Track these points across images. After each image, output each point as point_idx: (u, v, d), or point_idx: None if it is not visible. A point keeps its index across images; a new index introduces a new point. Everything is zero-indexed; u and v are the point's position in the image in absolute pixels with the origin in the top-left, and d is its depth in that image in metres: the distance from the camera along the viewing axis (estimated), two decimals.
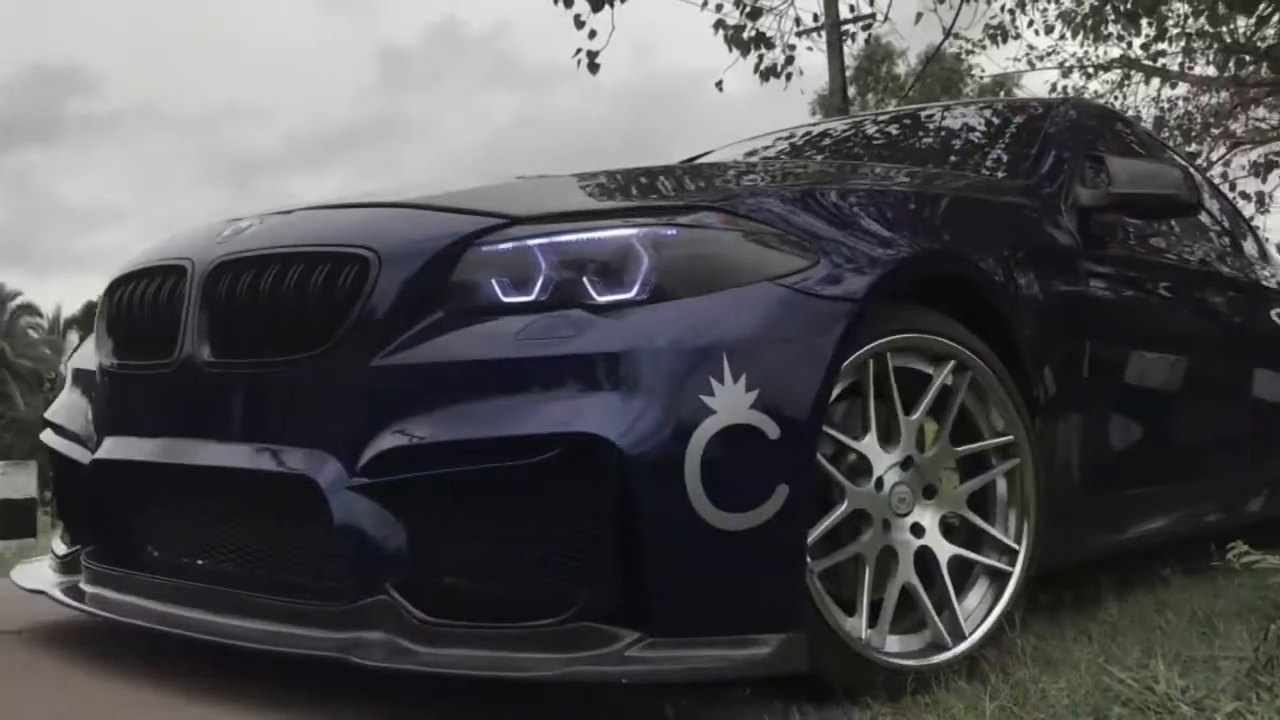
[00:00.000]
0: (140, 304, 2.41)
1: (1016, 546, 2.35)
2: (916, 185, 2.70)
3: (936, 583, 2.24)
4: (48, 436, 2.76)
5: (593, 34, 11.15)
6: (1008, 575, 2.33)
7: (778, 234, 2.08)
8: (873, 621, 2.14)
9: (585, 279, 1.96)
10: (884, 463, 2.18)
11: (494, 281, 2.00)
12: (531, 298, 1.97)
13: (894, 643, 2.18)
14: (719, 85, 11.12)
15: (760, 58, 11.55)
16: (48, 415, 2.83)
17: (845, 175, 2.75)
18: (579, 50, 11.10)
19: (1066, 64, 13.48)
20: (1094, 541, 2.89)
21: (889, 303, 2.21)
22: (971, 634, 2.25)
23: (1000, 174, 3.21)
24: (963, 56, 13.40)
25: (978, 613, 2.30)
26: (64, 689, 2.18)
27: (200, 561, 2.26)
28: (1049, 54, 13.40)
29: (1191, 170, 4.45)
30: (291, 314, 2.10)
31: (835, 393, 2.09)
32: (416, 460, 1.93)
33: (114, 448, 2.40)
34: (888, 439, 2.21)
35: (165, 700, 2.07)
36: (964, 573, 2.32)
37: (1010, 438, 2.35)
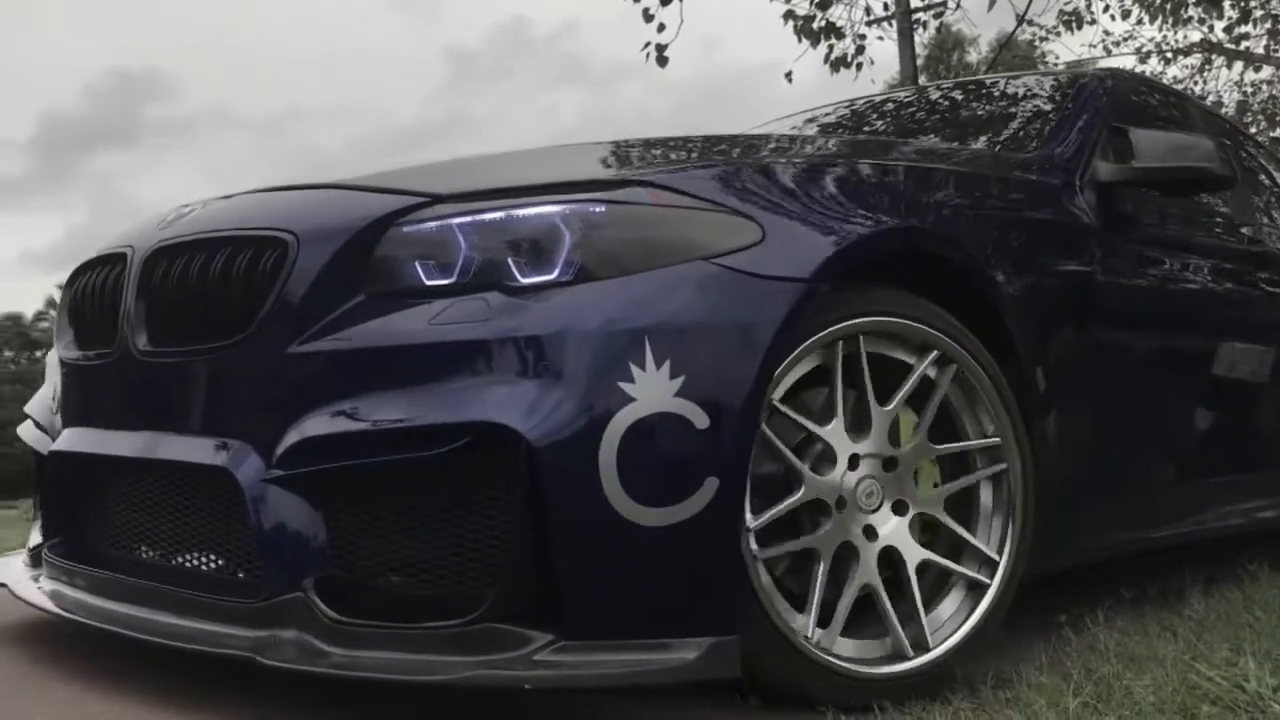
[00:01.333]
0: (89, 294, 2.37)
1: (995, 439, 2.22)
2: (901, 159, 2.53)
3: (940, 533, 2.18)
4: (23, 429, 2.74)
5: (661, 27, 11.15)
6: (1002, 474, 2.23)
7: (719, 210, 1.95)
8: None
9: (507, 260, 1.86)
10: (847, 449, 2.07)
11: (416, 263, 1.90)
12: (453, 280, 1.87)
13: (940, 614, 2.15)
14: (788, 76, 10.96)
15: (830, 48, 11.41)
16: (27, 408, 2.81)
17: (829, 149, 2.60)
18: (647, 44, 11.08)
19: (1144, 49, 13.01)
20: (1100, 542, 2.70)
21: (851, 284, 2.07)
22: (1002, 556, 2.20)
23: (1023, 147, 3.03)
24: (1036, 43, 13.01)
25: (994, 539, 2.22)
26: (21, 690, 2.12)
27: (146, 555, 2.21)
28: (1126, 39, 12.94)
29: (1244, 141, 4.19)
30: (217, 300, 2.03)
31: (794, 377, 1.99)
32: (329, 451, 1.84)
33: (68, 439, 2.37)
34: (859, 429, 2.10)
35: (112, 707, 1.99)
36: (965, 503, 2.24)
37: (937, 351, 2.16)
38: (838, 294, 2.04)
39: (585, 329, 1.78)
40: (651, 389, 1.76)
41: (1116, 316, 2.67)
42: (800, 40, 11.61)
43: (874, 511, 2.10)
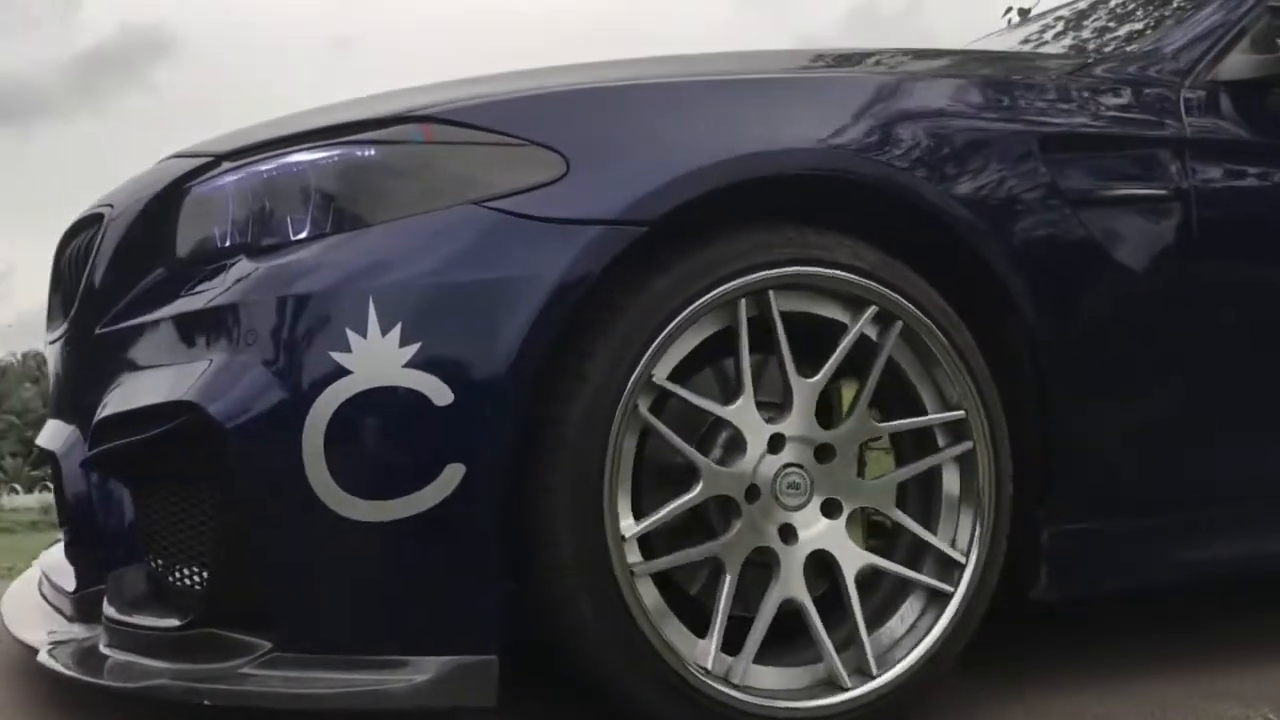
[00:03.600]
0: None
1: (958, 413, 1.76)
2: (855, 68, 2.02)
3: (901, 535, 1.78)
4: None
5: None
6: (970, 455, 1.76)
7: (513, 143, 1.60)
8: None
9: (274, 217, 1.64)
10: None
11: (208, 229, 1.73)
12: (227, 243, 1.69)
13: (892, 631, 1.74)
14: None
15: None
16: None
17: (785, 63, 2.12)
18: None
19: None
20: (1167, 562, 2.04)
21: (747, 228, 1.66)
22: (969, 558, 1.74)
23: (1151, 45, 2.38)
24: None
25: (961, 536, 1.76)
26: None
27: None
28: None
29: None
30: (69, 280, 2.00)
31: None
32: (103, 434, 1.72)
33: None
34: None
35: None
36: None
37: (875, 307, 1.71)
38: (730, 241, 1.65)
39: (299, 292, 1.52)
40: (372, 359, 1.48)
41: (1221, 252, 2.02)
42: None
43: (799, 509, 1.69)
